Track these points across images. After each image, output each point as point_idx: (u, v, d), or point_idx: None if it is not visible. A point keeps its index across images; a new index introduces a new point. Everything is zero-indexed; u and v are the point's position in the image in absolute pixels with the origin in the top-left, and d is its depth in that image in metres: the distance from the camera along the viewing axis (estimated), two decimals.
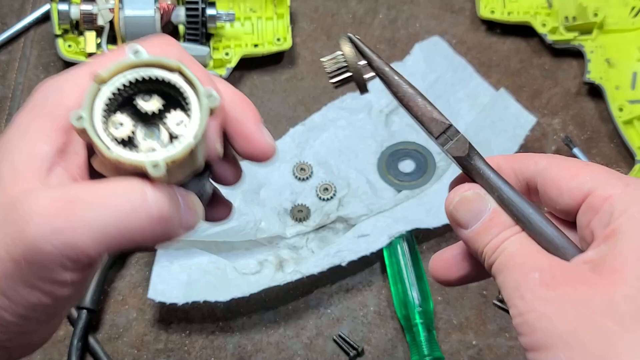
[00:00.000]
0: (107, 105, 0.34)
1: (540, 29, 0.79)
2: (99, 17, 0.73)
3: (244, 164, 0.78)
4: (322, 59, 0.44)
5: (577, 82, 0.79)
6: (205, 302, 0.65)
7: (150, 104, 0.35)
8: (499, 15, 0.80)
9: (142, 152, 0.34)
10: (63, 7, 0.74)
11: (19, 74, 0.79)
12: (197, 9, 0.73)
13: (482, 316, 0.68)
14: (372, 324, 0.68)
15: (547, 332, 0.37)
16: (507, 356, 0.67)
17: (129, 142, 0.35)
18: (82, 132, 0.33)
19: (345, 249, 0.67)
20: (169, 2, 0.75)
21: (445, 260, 0.45)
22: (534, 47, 0.81)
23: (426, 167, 0.73)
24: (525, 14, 0.80)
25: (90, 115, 0.34)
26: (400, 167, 0.73)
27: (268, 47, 0.78)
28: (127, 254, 0.70)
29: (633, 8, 0.80)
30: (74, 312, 0.66)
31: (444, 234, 0.71)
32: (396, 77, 0.44)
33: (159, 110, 0.35)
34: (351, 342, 0.67)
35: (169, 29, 0.76)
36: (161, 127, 0.36)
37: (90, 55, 0.74)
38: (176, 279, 0.66)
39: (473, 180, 0.42)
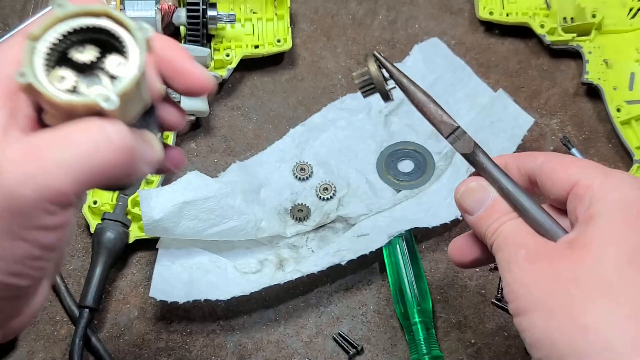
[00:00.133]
0: (45, 60, 0.35)
1: (539, 30, 0.79)
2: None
3: (245, 164, 0.78)
4: (353, 74, 0.52)
5: (575, 82, 0.80)
6: (206, 301, 0.65)
7: (86, 54, 0.36)
8: (498, 17, 0.80)
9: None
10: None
11: None
12: (198, 10, 0.74)
13: (480, 315, 0.69)
14: (371, 323, 0.69)
15: (526, 299, 0.44)
16: (506, 355, 0.67)
17: (74, 93, 0.36)
18: (29, 88, 0.35)
19: (345, 248, 0.67)
20: (170, 4, 0.75)
21: (460, 245, 0.52)
22: (533, 48, 0.82)
23: (425, 167, 0.73)
24: (524, 15, 0.80)
25: (32, 71, 0.35)
26: (399, 167, 0.74)
27: (268, 48, 0.78)
28: (128, 254, 0.71)
29: (631, 9, 0.80)
30: (76, 311, 0.67)
31: (443, 233, 0.72)
32: (412, 87, 0.51)
33: (97, 58, 0.37)
34: (351, 341, 0.67)
35: (170, 30, 0.77)
36: (101, 75, 0.37)
37: None
38: (177, 278, 0.66)
39: (478, 174, 0.49)
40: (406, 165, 0.74)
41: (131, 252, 0.71)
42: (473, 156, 0.49)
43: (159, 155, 0.40)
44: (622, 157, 0.76)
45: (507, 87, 0.79)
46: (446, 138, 0.50)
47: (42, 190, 0.34)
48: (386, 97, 0.52)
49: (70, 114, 0.35)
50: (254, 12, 0.80)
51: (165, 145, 0.42)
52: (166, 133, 0.73)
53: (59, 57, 0.36)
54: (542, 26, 0.79)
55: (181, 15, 0.75)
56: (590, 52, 0.78)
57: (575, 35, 0.79)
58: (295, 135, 0.76)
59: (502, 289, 0.68)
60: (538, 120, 0.77)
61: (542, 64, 0.81)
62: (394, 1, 0.84)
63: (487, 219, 0.48)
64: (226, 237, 0.68)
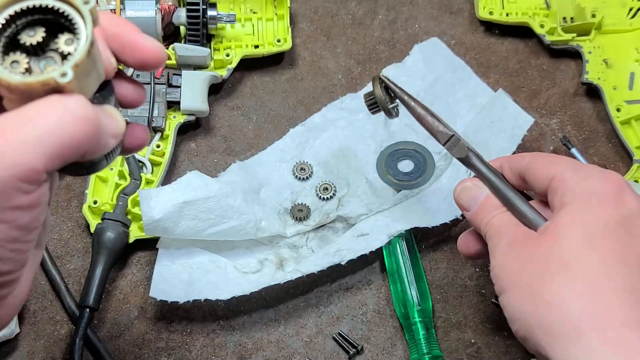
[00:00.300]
0: None
1: (539, 30, 0.79)
2: None
3: (245, 164, 0.78)
4: (363, 95, 0.61)
5: (575, 82, 0.80)
6: (206, 300, 0.65)
7: (34, 37, 0.37)
8: (498, 16, 0.80)
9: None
10: None
11: None
12: (197, 10, 0.74)
13: (480, 314, 0.69)
14: (371, 323, 0.69)
15: (504, 279, 0.51)
16: (506, 354, 0.68)
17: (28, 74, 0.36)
18: None
19: (345, 248, 0.67)
20: (170, 3, 0.75)
21: (465, 239, 0.59)
22: (532, 48, 0.82)
23: (425, 167, 0.73)
24: (524, 14, 0.80)
25: None
26: (399, 166, 0.74)
27: (268, 48, 0.78)
28: (128, 254, 0.71)
29: (631, 9, 0.80)
30: (76, 311, 0.67)
31: (443, 233, 0.72)
32: (412, 103, 0.59)
33: (45, 39, 0.37)
34: (351, 341, 0.67)
35: (170, 30, 0.77)
36: (54, 56, 0.37)
37: None
38: (177, 277, 0.66)
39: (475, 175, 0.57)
40: (406, 165, 0.74)
41: (131, 252, 0.71)
42: (467, 159, 0.57)
43: (122, 126, 0.41)
44: (622, 157, 0.76)
45: (507, 87, 0.79)
46: (443, 145, 0.57)
47: (13, 168, 0.35)
48: (390, 114, 0.61)
49: (29, 95, 0.36)
50: (254, 12, 0.80)
51: (128, 123, 0.43)
52: (166, 132, 0.73)
53: (9, 43, 0.37)
54: (542, 26, 0.79)
55: (181, 15, 0.75)
56: (590, 52, 0.78)
57: (575, 35, 0.79)
58: (295, 135, 0.76)
59: None
60: (538, 120, 0.77)
61: (542, 64, 0.81)
62: (393, 1, 0.84)
63: (481, 213, 0.56)
64: (226, 237, 0.68)
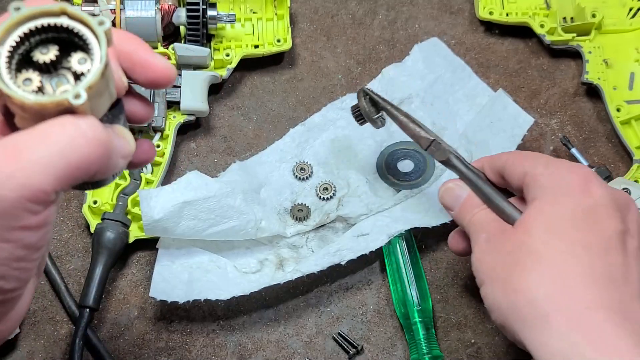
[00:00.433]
0: (9, 64, 0.36)
1: (539, 30, 0.79)
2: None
3: (246, 164, 0.78)
4: (350, 107, 0.66)
5: (575, 82, 0.80)
6: (206, 300, 0.65)
7: (47, 55, 0.37)
8: (498, 16, 0.80)
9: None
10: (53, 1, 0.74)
11: None
12: (197, 10, 0.74)
13: (480, 315, 0.69)
14: (371, 323, 0.69)
15: (482, 272, 0.54)
16: (506, 355, 0.68)
17: (40, 93, 0.36)
18: None
19: (345, 248, 0.67)
20: (170, 3, 0.75)
21: (454, 237, 0.62)
22: (532, 48, 0.82)
23: (425, 167, 0.73)
24: (524, 14, 0.80)
25: None
26: (399, 166, 0.74)
27: (268, 48, 0.78)
28: (128, 254, 0.71)
29: (631, 9, 0.80)
30: (76, 311, 0.67)
31: (443, 233, 0.71)
32: (395, 112, 0.63)
33: (58, 57, 0.37)
34: (351, 341, 0.67)
35: (170, 29, 0.77)
36: (67, 74, 0.37)
37: None
38: (177, 277, 0.66)
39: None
40: (406, 165, 0.74)
41: (131, 252, 0.71)
42: (449, 162, 0.60)
43: (132, 147, 0.41)
44: (622, 156, 0.76)
45: (507, 87, 0.79)
46: (425, 150, 0.61)
47: (23, 190, 0.34)
48: (375, 124, 0.65)
49: (41, 114, 0.35)
50: (254, 12, 0.80)
51: (136, 139, 0.43)
52: (166, 132, 0.73)
53: (23, 60, 0.37)
54: (542, 26, 0.79)
55: (181, 15, 0.75)
56: (590, 52, 0.78)
57: (575, 35, 0.79)
58: (295, 135, 0.76)
59: None
60: (538, 120, 0.77)
61: (542, 64, 0.81)
62: (393, 1, 0.84)
63: (463, 212, 0.59)
64: (226, 237, 0.68)
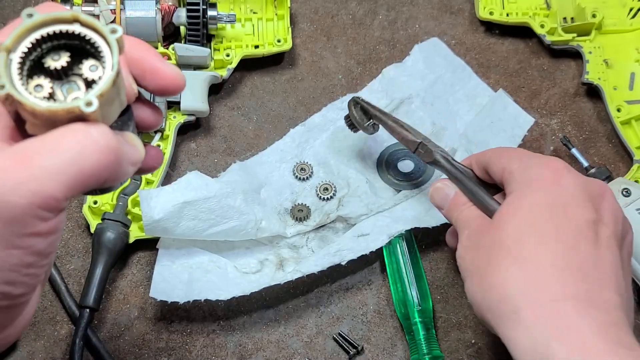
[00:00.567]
0: (21, 70, 0.36)
1: (539, 30, 0.79)
2: (101, 18, 0.73)
3: (246, 164, 0.78)
4: (344, 117, 0.70)
5: (576, 82, 0.80)
6: (206, 300, 0.65)
7: (58, 61, 0.37)
8: (498, 16, 0.80)
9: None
10: (65, 8, 0.74)
11: None
12: (198, 10, 0.74)
13: None
14: (371, 323, 0.69)
15: (463, 268, 0.56)
16: (506, 355, 0.67)
17: (51, 100, 0.36)
18: (7, 99, 0.35)
19: (345, 248, 0.67)
20: (170, 4, 0.75)
21: (450, 234, 0.64)
22: (533, 48, 0.82)
23: (425, 167, 0.73)
24: (524, 15, 0.80)
25: (10, 82, 0.35)
26: (399, 167, 0.74)
27: (268, 48, 0.78)
28: (128, 254, 0.71)
29: (631, 9, 0.80)
30: (76, 311, 0.67)
31: (443, 233, 0.71)
32: (384, 117, 0.67)
33: (69, 64, 0.37)
34: (351, 341, 0.67)
35: (170, 30, 0.77)
36: (78, 81, 0.37)
37: None
38: (177, 278, 0.66)
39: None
40: (406, 165, 0.74)
41: (131, 252, 0.71)
42: (436, 162, 0.63)
43: (142, 154, 0.41)
44: (622, 157, 0.76)
45: (507, 87, 0.79)
46: (413, 152, 0.64)
47: (34, 197, 0.34)
48: (367, 131, 0.69)
49: (52, 121, 0.35)
50: (254, 12, 0.80)
51: (144, 144, 0.43)
52: (166, 133, 0.73)
53: (34, 66, 0.37)
54: (542, 26, 0.79)
55: (181, 15, 0.75)
56: (590, 52, 0.78)
57: (575, 35, 0.79)
58: (296, 135, 0.76)
59: None
60: (538, 120, 0.77)
61: (542, 64, 0.81)
62: (394, 1, 0.84)
63: (451, 210, 0.60)
64: (226, 237, 0.68)
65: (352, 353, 0.67)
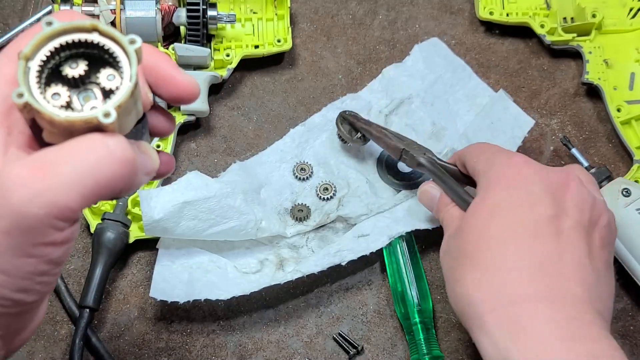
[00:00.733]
0: (39, 78, 0.36)
1: (539, 30, 0.79)
2: (101, 18, 0.73)
3: (246, 164, 0.78)
4: (336, 133, 0.72)
5: (576, 82, 0.80)
6: (206, 300, 0.65)
7: (76, 69, 0.37)
8: (498, 16, 0.80)
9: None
10: (65, 8, 0.74)
11: None
12: (198, 10, 0.74)
13: None
14: (371, 323, 0.69)
15: (443, 272, 0.57)
16: None
17: (68, 109, 0.36)
18: (25, 108, 0.35)
19: (345, 248, 0.67)
20: (170, 3, 0.75)
21: None
22: (533, 48, 0.82)
23: None
24: (524, 15, 0.80)
25: (29, 91, 0.35)
26: (399, 167, 0.74)
27: (268, 48, 0.78)
28: (128, 254, 0.71)
29: (631, 9, 0.80)
30: (76, 311, 0.67)
31: (443, 233, 0.71)
32: (369, 129, 0.69)
33: (87, 72, 0.37)
34: (351, 341, 0.67)
35: (170, 30, 0.77)
36: (95, 89, 0.37)
37: None
38: (177, 277, 0.66)
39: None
40: (406, 166, 0.74)
41: (131, 252, 0.71)
42: (421, 165, 0.64)
43: (156, 164, 0.41)
44: (622, 157, 0.76)
45: (507, 87, 0.79)
46: (399, 160, 0.66)
47: (50, 207, 0.34)
48: (357, 143, 0.71)
49: (70, 130, 0.35)
50: (254, 12, 0.80)
51: (157, 152, 0.43)
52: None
53: (51, 74, 0.37)
54: (542, 26, 0.79)
55: (181, 15, 0.75)
56: (590, 52, 0.78)
57: (575, 35, 0.79)
58: (296, 135, 0.76)
59: None
60: (538, 120, 0.77)
61: (542, 64, 0.81)
62: (394, 1, 0.84)
63: (438, 211, 0.62)
64: (226, 237, 0.68)
65: (352, 353, 0.67)
